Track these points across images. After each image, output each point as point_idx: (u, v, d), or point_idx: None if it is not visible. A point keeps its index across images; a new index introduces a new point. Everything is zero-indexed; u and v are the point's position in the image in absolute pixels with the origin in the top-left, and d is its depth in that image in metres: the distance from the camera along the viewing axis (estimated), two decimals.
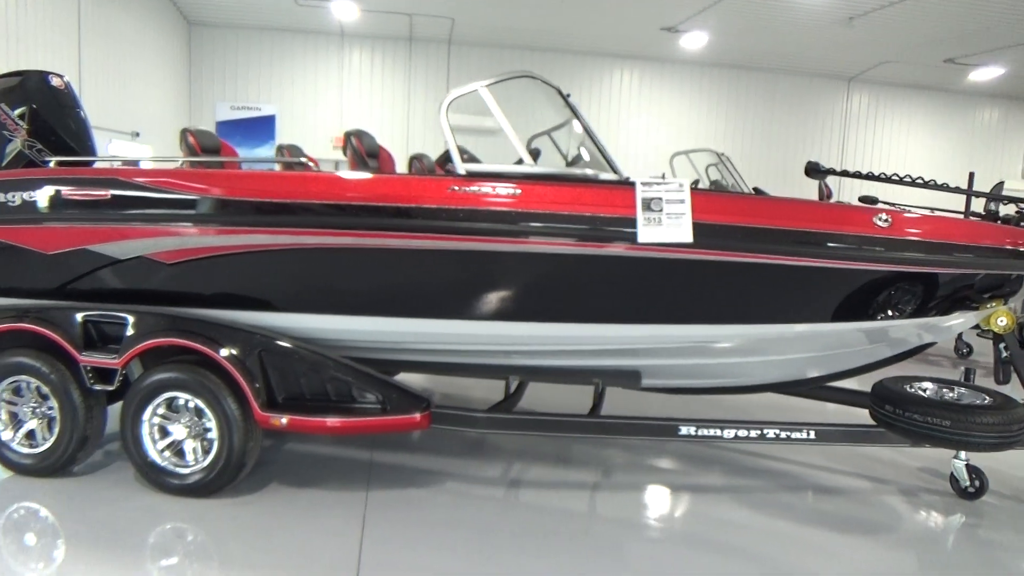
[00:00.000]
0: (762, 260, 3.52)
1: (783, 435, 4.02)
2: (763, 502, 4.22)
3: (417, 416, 3.77)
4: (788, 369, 4.34)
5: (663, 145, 16.26)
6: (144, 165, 4.29)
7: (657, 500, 4.28)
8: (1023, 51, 14.32)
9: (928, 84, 16.88)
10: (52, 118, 4.63)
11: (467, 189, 3.48)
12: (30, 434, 3.99)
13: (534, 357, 4.21)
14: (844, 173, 4.85)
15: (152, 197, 3.67)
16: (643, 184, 3.44)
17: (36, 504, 3.75)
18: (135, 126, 11.91)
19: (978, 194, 5.51)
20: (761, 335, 3.91)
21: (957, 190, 4.90)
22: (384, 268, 3.68)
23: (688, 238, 3.39)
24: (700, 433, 3.98)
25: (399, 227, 3.53)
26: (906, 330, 4.02)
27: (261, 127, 15.74)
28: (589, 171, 3.69)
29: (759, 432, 4.01)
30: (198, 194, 3.62)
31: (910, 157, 17.68)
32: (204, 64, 15.43)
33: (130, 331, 3.80)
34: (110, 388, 3.84)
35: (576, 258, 3.56)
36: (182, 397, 3.75)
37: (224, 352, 3.68)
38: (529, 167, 3.67)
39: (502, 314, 3.77)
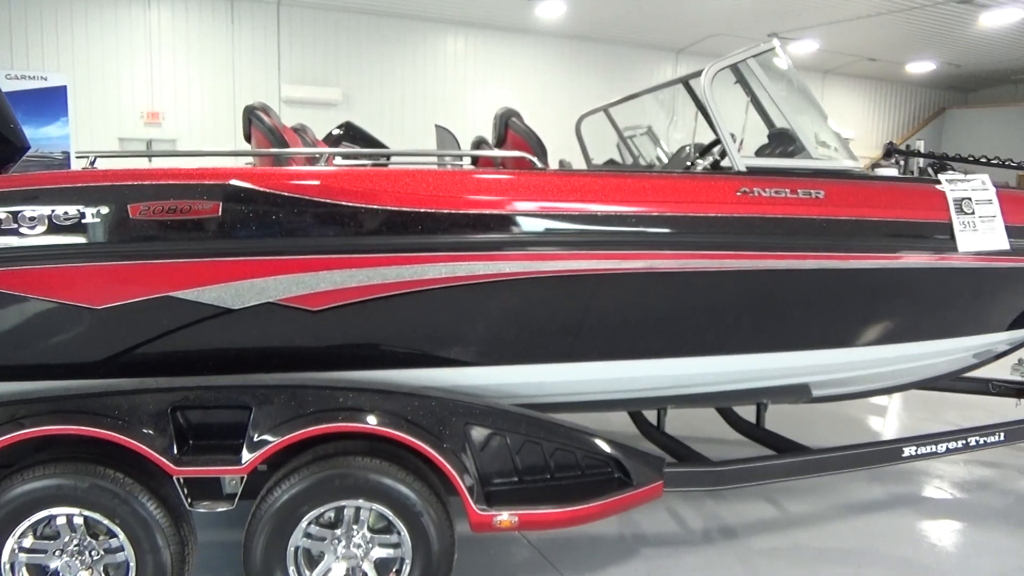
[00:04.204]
0: None
1: (982, 441, 3.81)
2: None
3: (660, 483, 2.89)
4: (950, 368, 4.04)
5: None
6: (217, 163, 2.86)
7: (890, 525, 3.83)
8: (835, 27, 15.54)
9: None
10: None
11: (760, 192, 2.65)
12: None
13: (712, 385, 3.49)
14: (929, 155, 4.60)
15: (304, 210, 2.40)
16: (948, 181, 2.85)
17: None
18: None
19: None
20: (969, 346, 3.57)
21: None
22: (634, 297, 2.75)
23: (1005, 244, 2.91)
24: (920, 452, 3.62)
25: (666, 243, 2.62)
26: None
27: (48, 101, 12.70)
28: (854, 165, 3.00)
29: (964, 442, 3.77)
30: (399, 206, 2.42)
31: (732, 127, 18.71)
32: None
33: (262, 416, 2.48)
34: (228, 508, 2.52)
35: (875, 274, 2.90)
36: (350, 506, 2.54)
37: (420, 434, 2.52)
38: (823, 161, 2.90)
39: (763, 345, 3.01)
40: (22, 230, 2.34)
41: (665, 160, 6.80)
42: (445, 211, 2.48)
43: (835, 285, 2.93)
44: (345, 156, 3.11)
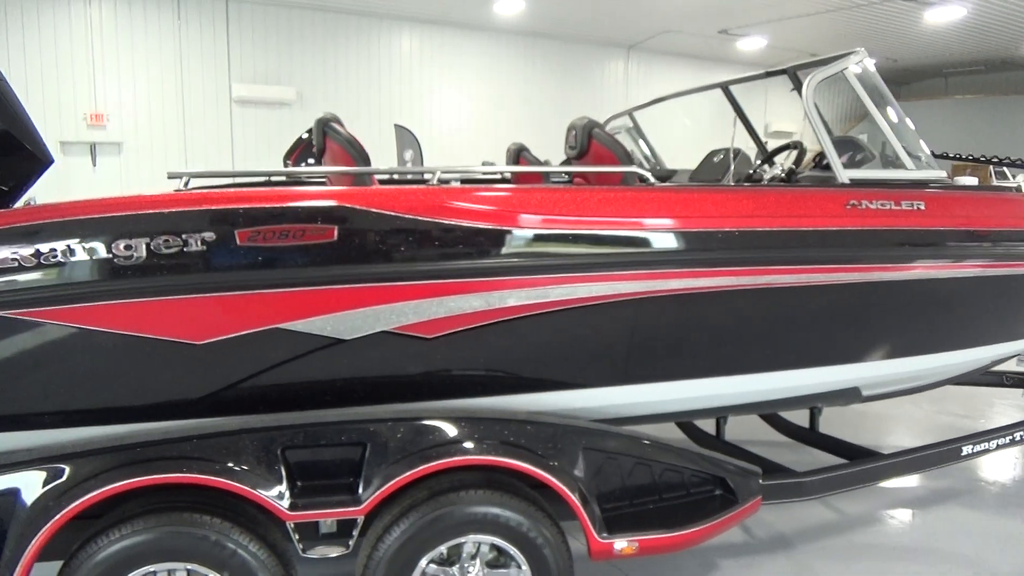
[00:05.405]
0: None
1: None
2: None
3: (759, 499, 2.86)
4: (977, 366, 4.15)
5: (468, 119, 15.58)
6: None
7: (943, 520, 3.91)
8: (784, 24, 15.89)
9: (699, 54, 18.10)
10: None
11: (867, 204, 2.64)
12: None
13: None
14: (943, 156, 4.70)
15: (426, 233, 2.28)
16: None
17: None
18: None
19: None
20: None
21: None
22: (743, 313, 2.73)
23: None
24: (976, 450, 3.71)
25: (783, 259, 2.60)
26: None
27: None
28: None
29: (1011, 438, 3.88)
30: (525, 227, 2.32)
31: (677, 121, 18.93)
32: None
33: (378, 451, 2.33)
34: (343, 552, 2.37)
35: (963, 283, 2.96)
36: (469, 542, 2.42)
37: (542, 463, 2.43)
38: (920, 172, 2.90)
39: (845, 356, 3.02)
40: (117, 261, 2.13)
41: (653, 159, 6.78)
42: (571, 231, 2.39)
43: (927, 295, 2.96)
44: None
